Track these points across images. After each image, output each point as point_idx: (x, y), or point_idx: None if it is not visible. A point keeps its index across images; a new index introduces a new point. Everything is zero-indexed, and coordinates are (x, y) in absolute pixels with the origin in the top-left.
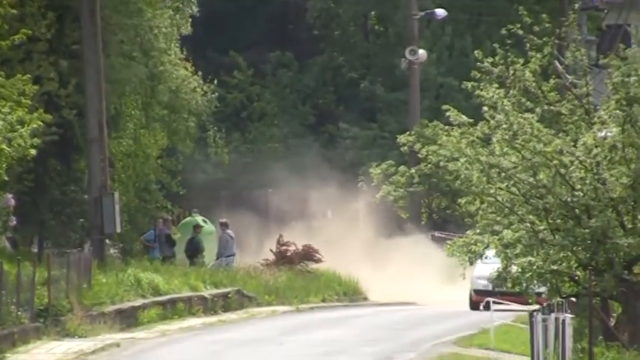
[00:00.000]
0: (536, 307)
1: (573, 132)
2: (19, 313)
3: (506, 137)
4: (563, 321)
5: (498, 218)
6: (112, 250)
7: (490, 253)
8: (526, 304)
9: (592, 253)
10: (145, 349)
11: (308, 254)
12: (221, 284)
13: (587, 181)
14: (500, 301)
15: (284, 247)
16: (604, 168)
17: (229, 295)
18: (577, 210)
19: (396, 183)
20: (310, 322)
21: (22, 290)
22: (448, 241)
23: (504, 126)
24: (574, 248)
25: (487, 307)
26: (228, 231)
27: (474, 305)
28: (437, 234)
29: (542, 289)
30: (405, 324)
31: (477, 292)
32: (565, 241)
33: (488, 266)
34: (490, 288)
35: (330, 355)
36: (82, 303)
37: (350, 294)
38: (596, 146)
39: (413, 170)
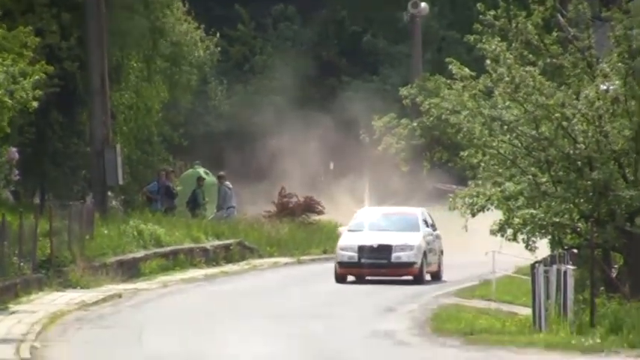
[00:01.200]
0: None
1: (575, 85)
2: (21, 264)
3: (509, 90)
4: (565, 272)
5: (500, 170)
6: (114, 202)
7: (356, 222)
8: (396, 276)
9: (594, 205)
10: (147, 300)
11: (310, 206)
12: (223, 236)
13: (590, 134)
14: (367, 273)
15: (286, 199)
16: (606, 121)
17: (231, 247)
18: (579, 162)
19: (397, 135)
20: (312, 274)
21: (24, 242)
22: (450, 194)
23: (506, 79)
24: (576, 200)
25: (360, 279)
26: (227, 183)
27: (340, 278)
28: (439, 186)
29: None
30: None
31: (342, 264)
32: (567, 193)
33: (355, 236)
34: (356, 259)
35: (331, 306)
36: (84, 254)
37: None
38: (599, 99)
39: (415, 123)
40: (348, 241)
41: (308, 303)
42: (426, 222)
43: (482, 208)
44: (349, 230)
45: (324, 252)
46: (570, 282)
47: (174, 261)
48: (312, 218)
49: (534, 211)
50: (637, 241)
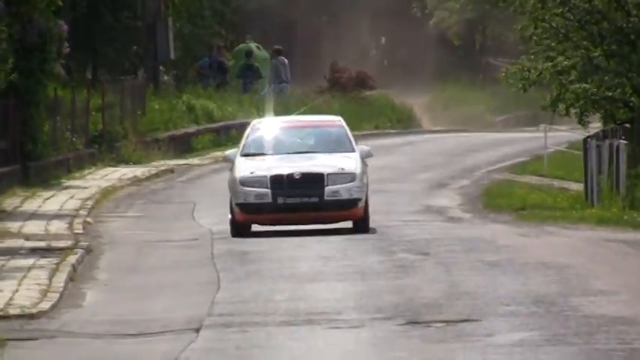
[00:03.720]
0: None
1: None
2: (73, 139)
3: None
4: (617, 147)
5: (553, 45)
6: (165, 78)
7: (253, 140)
8: (331, 221)
9: None
10: (200, 175)
11: (362, 80)
12: (275, 111)
13: None
14: (287, 219)
15: (337, 74)
16: None
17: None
18: (632, 36)
19: (450, 9)
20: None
21: (76, 116)
22: (502, 68)
23: None
24: (629, 74)
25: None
26: (281, 57)
27: (240, 228)
28: (491, 61)
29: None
30: (458, 151)
31: (246, 208)
32: (620, 67)
33: (259, 162)
34: (269, 199)
35: (383, 183)
36: (136, 129)
37: (404, 121)
38: None
39: None
40: (252, 171)
41: None
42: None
43: (534, 83)
44: (245, 155)
45: (376, 127)
46: (622, 156)
47: (226, 136)
48: (364, 93)
49: (587, 86)
50: None
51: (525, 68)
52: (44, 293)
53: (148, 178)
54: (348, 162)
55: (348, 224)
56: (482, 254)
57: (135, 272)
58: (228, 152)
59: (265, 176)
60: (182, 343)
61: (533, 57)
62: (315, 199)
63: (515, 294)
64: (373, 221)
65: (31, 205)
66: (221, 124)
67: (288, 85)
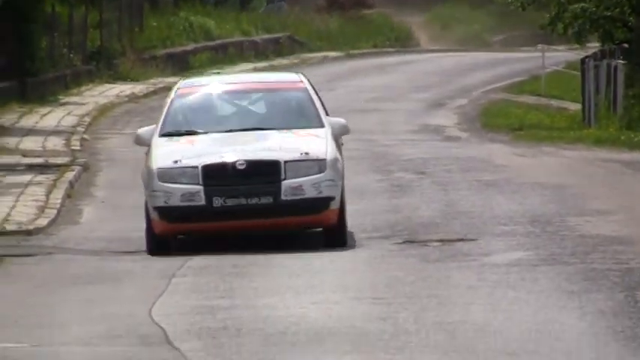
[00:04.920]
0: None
1: None
2: (71, 55)
3: None
4: (615, 67)
5: None
6: None
7: (177, 111)
8: (292, 227)
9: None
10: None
11: (357, 1)
12: (273, 29)
13: None
14: (228, 227)
15: None
16: None
17: (280, 41)
18: None
19: None
20: (361, 68)
21: (74, 33)
22: None
23: None
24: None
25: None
26: None
27: (159, 242)
28: None
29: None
30: (456, 70)
31: (168, 214)
32: None
33: (185, 145)
34: (202, 200)
35: (380, 102)
36: (134, 47)
37: (402, 40)
38: None
39: None
40: (176, 159)
41: (356, 98)
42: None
43: (533, 2)
44: (165, 134)
45: (374, 46)
46: (620, 77)
47: (224, 54)
48: (362, 12)
49: (585, 5)
50: None
51: None
52: (41, 210)
53: (146, 96)
54: (314, 143)
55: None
56: (479, 174)
57: (132, 190)
58: (142, 130)
59: (195, 167)
60: (179, 261)
61: None
62: (267, 200)
63: (512, 214)
64: (369, 141)
65: (28, 122)
66: (219, 41)
67: (285, 2)
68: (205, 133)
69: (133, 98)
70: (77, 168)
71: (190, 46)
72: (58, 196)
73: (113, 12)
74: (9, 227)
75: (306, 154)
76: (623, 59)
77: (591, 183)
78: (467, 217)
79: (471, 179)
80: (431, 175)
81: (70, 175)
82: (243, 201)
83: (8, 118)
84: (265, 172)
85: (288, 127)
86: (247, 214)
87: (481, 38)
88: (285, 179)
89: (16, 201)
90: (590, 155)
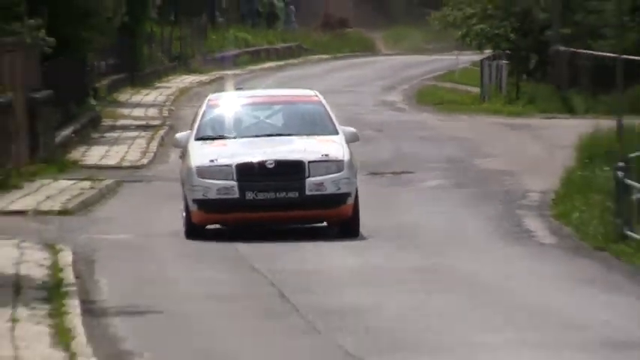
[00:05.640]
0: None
1: None
2: (162, 57)
3: None
4: (501, 65)
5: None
6: (220, 19)
7: (210, 120)
8: (313, 220)
9: (520, 22)
10: (243, 80)
11: (343, 22)
12: (288, 40)
13: None
14: (258, 218)
15: (327, 18)
16: None
17: (292, 47)
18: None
19: None
20: (343, 65)
21: (164, 43)
22: (428, 15)
23: None
24: (509, 19)
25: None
26: (291, 7)
27: (197, 230)
28: (425, 9)
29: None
30: (402, 67)
31: (205, 205)
32: (504, 15)
33: (220, 148)
34: (236, 194)
35: (355, 86)
36: (201, 52)
37: (369, 48)
38: None
39: None
40: (212, 158)
41: (339, 83)
42: None
43: (451, 25)
44: (200, 138)
45: (351, 52)
46: (504, 71)
47: (258, 56)
48: (344, 30)
49: (483, 26)
50: (545, 44)
51: (445, 15)
52: (144, 154)
53: (209, 82)
54: (332, 147)
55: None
56: (416, 131)
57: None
58: (179, 135)
59: (230, 165)
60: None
61: (450, 7)
62: (294, 194)
63: (436, 156)
64: (346, 111)
65: (135, 98)
66: (253, 48)
67: (295, 23)
68: (234, 138)
69: (200, 84)
70: (166, 127)
71: (236, 51)
72: (154, 145)
73: (188, 29)
74: (124, 164)
75: (326, 155)
76: (506, 60)
77: (485, 137)
78: (409, 158)
79: (410, 135)
80: (386, 132)
81: (161, 132)
82: (272, 195)
83: (123, 96)
84: (291, 170)
85: (308, 134)
86: (276, 207)
87: (420, 46)
88: (309, 177)
89: (129, 148)
90: (484, 120)
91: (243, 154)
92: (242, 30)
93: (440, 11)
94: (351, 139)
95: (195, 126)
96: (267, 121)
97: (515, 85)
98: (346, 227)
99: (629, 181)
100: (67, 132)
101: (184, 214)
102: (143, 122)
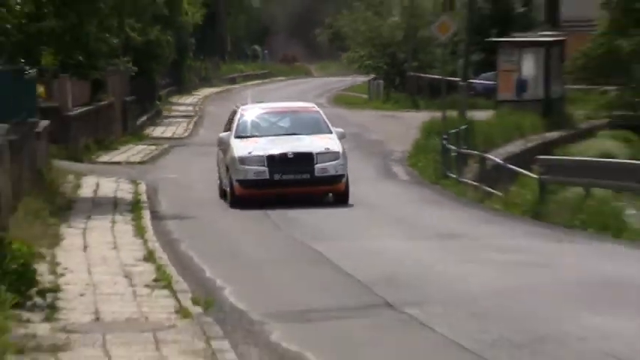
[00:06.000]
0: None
1: None
2: (194, 78)
3: None
4: (380, 83)
5: (358, 44)
6: (227, 57)
7: (241, 124)
8: (318, 193)
9: (390, 59)
10: (244, 89)
11: (294, 58)
12: (264, 69)
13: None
14: (282, 193)
15: (286, 56)
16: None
17: (266, 73)
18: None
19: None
20: (294, 83)
21: (196, 70)
22: (340, 57)
23: None
24: (383, 59)
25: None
26: (265, 51)
27: (239, 201)
28: (339, 52)
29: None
30: (325, 84)
31: (246, 183)
32: (382, 54)
33: (253, 143)
34: (267, 175)
35: (300, 93)
36: (217, 76)
37: (307, 73)
38: None
39: None
40: (250, 151)
41: (287, 93)
42: None
43: (353, 61)
44: (238, 137)
45: (299, 76)
46: (381, 86)
47: (247, 78)
48: (295, 63)
49: (370, 62)
50: (403, 72)
51: (349, 55)
52: (185, 130)
53: (222, 92)
54: (330, 142)
55: None
56: (333, 119)
57: (220, 125)
58: (222, 134)
59: (262, 155)
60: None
61: (351, 51)
62: (306, 176)
63: (347, 135)
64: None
65: (180, 100)
66: (246, 73)
67: (268, 59)
68: (262, 136)
69: (217, 93)
70: (197, 117)
71: (236, 74)
72: (190, 126)
73: (209, 63)
74: (174, 136)
75: (327, 148)
76: (382, 80)
77: (373, 124)
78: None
79: (333, 121)
80: None
81: (195, 119)
82: (291, 176)
83: (174, 99)
84: (305, 159)
85: (311, 134)
86: (294, 184)
87: (336, 72)
88: (317, 163)
89: (176, 128)
90: (370, 113)
91: (270, 148)
92: (239, 63)
93: (346, 53)
94: (341, 137)
95: (234, 127)
96: (281, 124)
97: (387, 93)
98: (340, 197)
99: (448, 145)
100: (143, 119)
101: (227, 189)
102: (184, 114)
